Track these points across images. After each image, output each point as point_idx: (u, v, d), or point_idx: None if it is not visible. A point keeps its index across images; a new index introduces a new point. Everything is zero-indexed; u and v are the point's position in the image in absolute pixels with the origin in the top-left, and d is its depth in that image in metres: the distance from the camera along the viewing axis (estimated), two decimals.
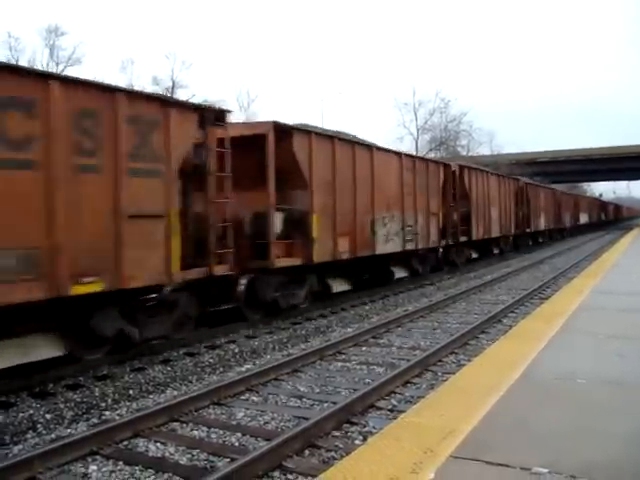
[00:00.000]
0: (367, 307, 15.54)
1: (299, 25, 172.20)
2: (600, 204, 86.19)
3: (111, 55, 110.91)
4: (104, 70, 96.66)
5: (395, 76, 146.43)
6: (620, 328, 7.98)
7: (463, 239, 24.29)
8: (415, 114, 65.31)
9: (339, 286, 15.71)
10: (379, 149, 18.12)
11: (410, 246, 19.08)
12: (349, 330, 12.57)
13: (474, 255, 27.19)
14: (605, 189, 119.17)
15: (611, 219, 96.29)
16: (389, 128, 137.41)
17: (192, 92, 56.56)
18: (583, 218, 63.20)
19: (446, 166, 23.15)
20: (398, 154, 19.15)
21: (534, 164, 64.13)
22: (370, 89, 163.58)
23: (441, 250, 23.13)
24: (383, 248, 17.11)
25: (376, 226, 16.65)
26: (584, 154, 72.26)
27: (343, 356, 10.26)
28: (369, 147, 17.41)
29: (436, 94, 69.06)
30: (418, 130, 65.08)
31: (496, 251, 30.42)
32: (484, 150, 69.09)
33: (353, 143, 16.49)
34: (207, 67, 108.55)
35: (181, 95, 53.62)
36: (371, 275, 18.36)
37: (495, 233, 28.69)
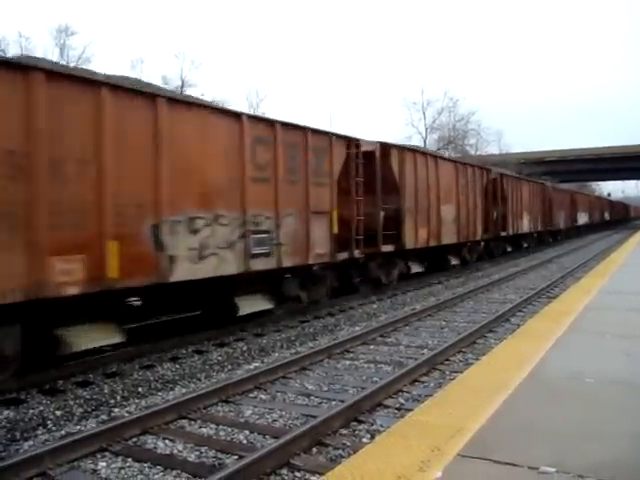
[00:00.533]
0: (375, 306, 15.55)
1: (308, 24, 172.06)
2: (606, 203, 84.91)
3: (121, 54, 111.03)
4: (114, 69, 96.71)
5: (404, 76, 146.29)
6: (628, 328, 7.95)
7: (387, 248, 17.26)
8: (423, 113, 65.31)
9: (85, 342, 8.74)
10: (182, 103, 10.73)
11: (263, 264, 12.03)
12: (357, 329, 12.59)
13: (416, 269, 19.93)
14: (614, 188, 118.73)
15: (618, 219, 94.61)
16: (398, 127, 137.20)
17: (201, 91, 56.61)
18: (582, 219, 56.98)
19: (350, 143, 15.25)
20: (236, 115, 11.67)
21: (543, 163, 64.02)
22: (379, 88, 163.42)
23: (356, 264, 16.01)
24: (190, 271, 10.20)
25: (166, 234, 9.69)
26: (593, 153, 71.98)
27: (351, 354, 10.27)
28: (151, 96, 9.83)
29: (444, 93, 69.14)
30: (426, 129, 65.04)
31: (455, 262, 23.32)
32: (492, 149, 69.00)
33: (94, 84, 8.80)
34: (216, 66, 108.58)
35: (190, 94, 53.82)
36: (203, 310, 12.24)
37: (449, 239, 21.84)
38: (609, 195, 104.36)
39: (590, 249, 37.47)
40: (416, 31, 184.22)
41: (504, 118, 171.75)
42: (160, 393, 8.35)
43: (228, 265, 11.16)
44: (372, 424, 6.82)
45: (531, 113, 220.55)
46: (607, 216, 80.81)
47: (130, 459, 5.97)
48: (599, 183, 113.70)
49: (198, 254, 10.45)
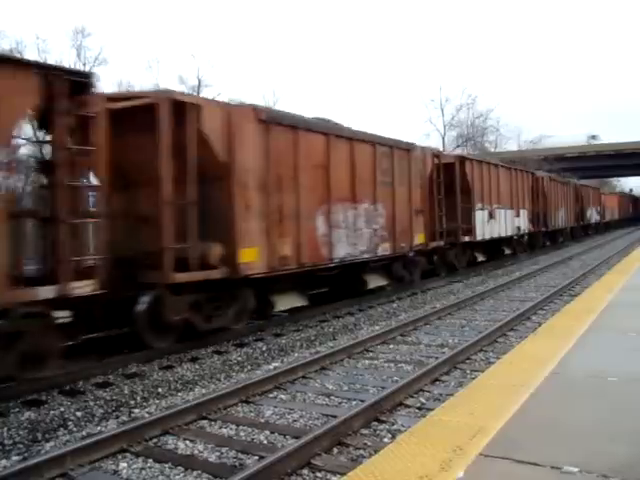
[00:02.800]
0: (395, 305, 15.50)
1: (325, 23, 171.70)
2: (631, 199, 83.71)
3: (137, 55, 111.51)
4: (130, 70, 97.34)
5: (422, 73, 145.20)
6: None
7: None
8: (442, 110, 65.06)
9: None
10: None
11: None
12: (377, 328, 12.55)
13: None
14: (635, 184, 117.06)
15: None
16: (416, 125, 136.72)
17: (218, 91, 56.85)
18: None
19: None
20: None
21: (562, 159, 63.44)
22: (397, 86, 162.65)
23: None
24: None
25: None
26: (613, 149, 71.17)
27: (371, 354, 10.25)
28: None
29: (462, 90, 68.96)
30: (445, 126, 64.81)
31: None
32: (511, 146, 68.65)
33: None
34: (233, 66, 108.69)
35: (206, 94, 53.94)
36: None
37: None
38: (631, 191, 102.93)
39: (613, 246, 37.18)
40: (434, 28, 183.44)
41: (523, 114, 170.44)
42: (180, 394, 8.37)
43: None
44: (393, 424, 6.79)
45: (551, 109, 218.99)
46: (632, 212, 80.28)
47: (151, 460, 5.98)
48: (620, 179, 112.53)
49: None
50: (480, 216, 22.82)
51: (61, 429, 6.99)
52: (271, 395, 8.06)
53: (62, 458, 5.75)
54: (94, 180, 9.17)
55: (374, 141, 15.39)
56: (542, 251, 32.68)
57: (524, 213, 29.06)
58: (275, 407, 7.52)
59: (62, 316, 8.56)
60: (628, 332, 7.40)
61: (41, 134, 8.72)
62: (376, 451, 4.80)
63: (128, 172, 10.31)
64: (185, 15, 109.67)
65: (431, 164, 18.76)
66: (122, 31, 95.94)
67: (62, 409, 7.55)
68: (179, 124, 9.89)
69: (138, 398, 8.10)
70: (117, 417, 7.42)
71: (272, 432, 6.65)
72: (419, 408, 7.32)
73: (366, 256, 14.86)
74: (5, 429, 6.84)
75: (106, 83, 51.24)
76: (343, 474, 4.30)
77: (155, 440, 6.48)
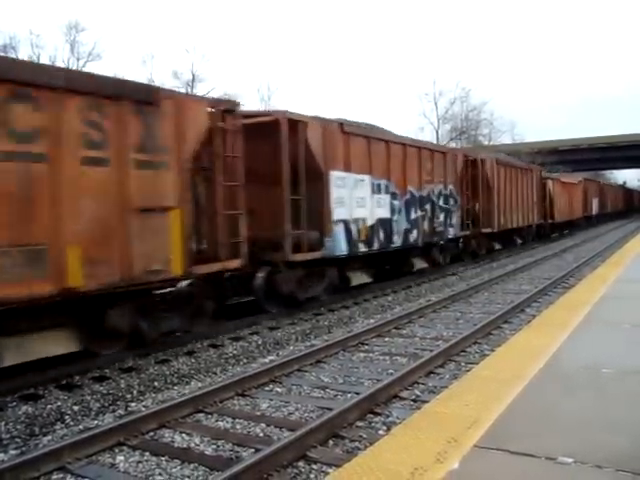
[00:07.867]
0: (389, 298, 15.53)
1: (319, 16, 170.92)
2: (629, 192, 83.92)
3: (131, 50, 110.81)
4: (125, 65, 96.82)
5: (416, 67, 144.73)
6: None
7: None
8: (435, 104, 65.19)
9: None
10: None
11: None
12: (371, 321, 12.59)
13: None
14: (629, 177, 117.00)
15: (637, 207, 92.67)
16: (410, 118, 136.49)
17: (212, 85, 56.64)
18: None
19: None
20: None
21: (556, 152, 63.48)
22: (390, 79, 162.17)
23: None
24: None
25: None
26: (606, 141, 71.22)
27: (366, 347, 10.28)
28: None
29: (456, 84, 68.95)
30: (439, 120, 64.87)
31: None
32: (505, 139, 68.70)
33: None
34: (227, 60, 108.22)
35: (201, 89, 53.99)
36: None
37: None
38: (624, 183, 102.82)
39: (606, 238, 37.25)
40: (427, 21, 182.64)
41: (517, 108, 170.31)
42: (176, 387, 8.40)
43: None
44: (388, 416, 6.83)
45: (544, 102, 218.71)
46: (630, 204, 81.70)
47: (147, 453, 6.01)
48: (613, 171, 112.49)
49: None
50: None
51: (58, 423, 7.03)
52: (267, 388, 8.09)
53: (59, 452, 5.78)
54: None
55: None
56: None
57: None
58: (271, 400, 7.55)
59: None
60: (622, 324, 7.44)
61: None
62: (371, 443, 4.81)
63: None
64: (179, 10, 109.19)
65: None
66: (116, 26, 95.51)
67: (59, 403, 7.57)
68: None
69: (134, 392, 8.13)
70: (114, 411, 7.45)
71: (268, 425, 6.68)
72: (414, 400, 7.36)
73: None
74: (2, 423, 6.86)
75: None
76: (338, 466, 4.33)
77: (152, 433, 6.51)
